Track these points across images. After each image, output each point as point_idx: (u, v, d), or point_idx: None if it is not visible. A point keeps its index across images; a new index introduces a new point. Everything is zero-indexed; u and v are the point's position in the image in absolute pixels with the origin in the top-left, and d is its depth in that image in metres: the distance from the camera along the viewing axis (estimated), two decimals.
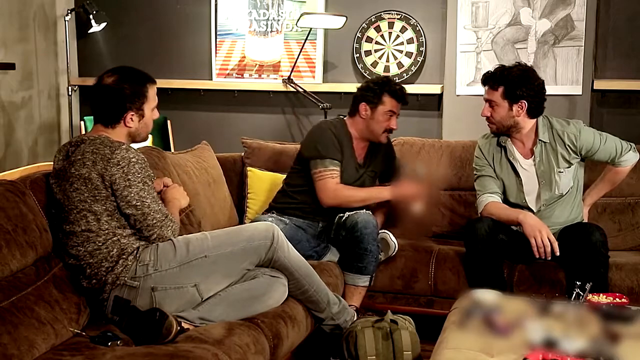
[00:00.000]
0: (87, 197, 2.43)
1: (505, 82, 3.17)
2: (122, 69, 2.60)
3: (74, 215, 2.45)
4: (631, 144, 3.25)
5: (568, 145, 3.21)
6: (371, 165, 3.53)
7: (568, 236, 3.12)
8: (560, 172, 3.21)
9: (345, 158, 3.40)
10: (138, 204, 2.46)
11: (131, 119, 2.55)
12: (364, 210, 3.34)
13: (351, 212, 3.34)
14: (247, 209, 3.80)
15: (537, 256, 3.05)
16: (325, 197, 3.34)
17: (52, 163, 2.58)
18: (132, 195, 2.45)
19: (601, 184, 3.36)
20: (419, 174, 3.52)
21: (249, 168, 3.91)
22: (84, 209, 2.44)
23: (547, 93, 3.23)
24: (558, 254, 3.04)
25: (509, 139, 3.27)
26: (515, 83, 3.15)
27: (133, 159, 2.45)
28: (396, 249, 3.37)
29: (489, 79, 3.23)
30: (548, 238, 3.03)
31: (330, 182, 3.33)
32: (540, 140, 3.22)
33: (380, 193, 3.41)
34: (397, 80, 4.27)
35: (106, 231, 2.46)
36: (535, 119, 3.24)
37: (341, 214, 3.39)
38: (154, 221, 2.50)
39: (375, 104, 3.39)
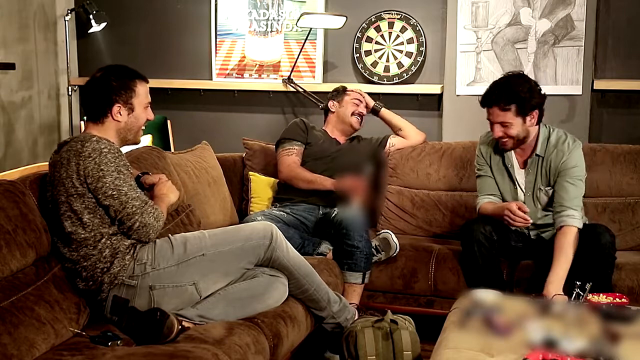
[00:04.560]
0: (67, 198, 2.42)
1: (516, 99, 3.03)
2: (112, 66, 2.62)
3: (60, 218, 2.45)
4: (582, 216, 3.11)
5: (554, 163, 3.12)
6: (352, 143, 3.88)
7: None
8: (539, 189, 3.18)
9: (316, 137, 3.78)
10: (114, 193, 2.42)
11: (119, 112, 2.54)
12: (354, 206, 3.45)
13: (340, 209, 3.42)
14: (251, 212, 3.78)
15: (512, 227, 3.07)
16: (281, 170, 3.70)
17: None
18: (107, 185, 2.41)
19: (556, 259, 2.98)
20: (365, 173, 3.71)
21: (251, 173, 3.91)
22: (67, 210, 2.43)
23: (547, 93, 3.18)
24: (530, 222, 3.03)
25: None
26: (526, 97, 3.03)
27: (104, 149, 2.42)
28: (397, 249, 3.37)
29: (497, 101, 3.05)
30: (520, 209, 3.01)
31: (287, 158, 3.69)
32: (536, 154, 3.16)
33: (325, 181, 3.61)
34: (396, 80, 4.32)
35: (92, 232, 2.44)
36: (538, 126, 3.16)
37: (332, 211, 3.45)
38: (134, 208, 2.45)
39: (340, 98, 3.87)
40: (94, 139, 2.44)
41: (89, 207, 2.43)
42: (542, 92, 3.12)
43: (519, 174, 3.22)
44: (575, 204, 3.06)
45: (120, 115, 2.55)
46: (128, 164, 2.52)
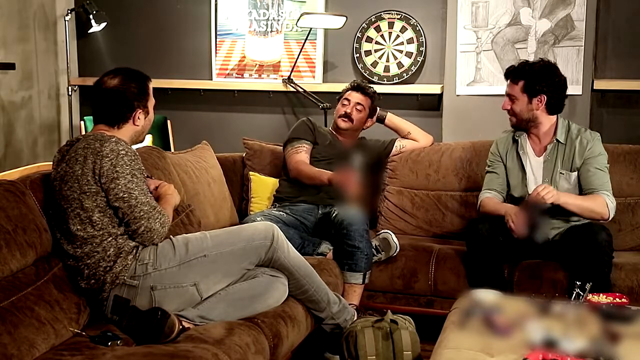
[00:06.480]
0: (80, 195, 2.42)
1: (525, 76, 3.21)
2: (122, 70, 2.61)
3: (69, 214, 2.45)
4: (613, 199, 3.16)
5: (578, 150, 3.21)
6: (359, 144, 3.85)
7: (573, 235, 3.12)
8: (561, 173, 3.22)
9: (322, 137, 3.75)
10: (125, 196, 2.44)
11: (139, 117, 2.58)
12: (354, 206, 3.44)
13: (340, 209, 3.41)
14: (251, 212, 3.78)
15: (515, 236, 3.08)
16: (290, 168, 3.65)
17: (51, 163, 2.58)
18: (120, 187, 2.43)
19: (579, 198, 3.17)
20: (355, 166, 3.64)
21: (251, 173, 3.91)
22: (77, 207, 2.44)
23: None
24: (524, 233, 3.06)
25: (525, 134, 3.31)
26: (535, 77, 3.18)
27: (122, 152, 2.44)
28: (397, 249, 3.38)
29: (510, 73, 3.27)
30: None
31: (295, 156, 3.66)
32: (556, 139, 3.24)
33: (323, 175, 3.54)
34: (396, 80, 4.32)
35: (101, 231, 2.45)
36: (555, 117, 3.26)
37: (332, 210, 3.45)
38: (141, 213, 2.47)
39: (339, 99, 3.82)
40: (113, 139, 2.46)
41: (100, 205, 2.45)
42: (562, 86, 3.22)
43: (535, 162, 3.28)
44: (607, 188, 3.16)
45: (139, 119, 2.59)
46: (143, 168, 2.54)
